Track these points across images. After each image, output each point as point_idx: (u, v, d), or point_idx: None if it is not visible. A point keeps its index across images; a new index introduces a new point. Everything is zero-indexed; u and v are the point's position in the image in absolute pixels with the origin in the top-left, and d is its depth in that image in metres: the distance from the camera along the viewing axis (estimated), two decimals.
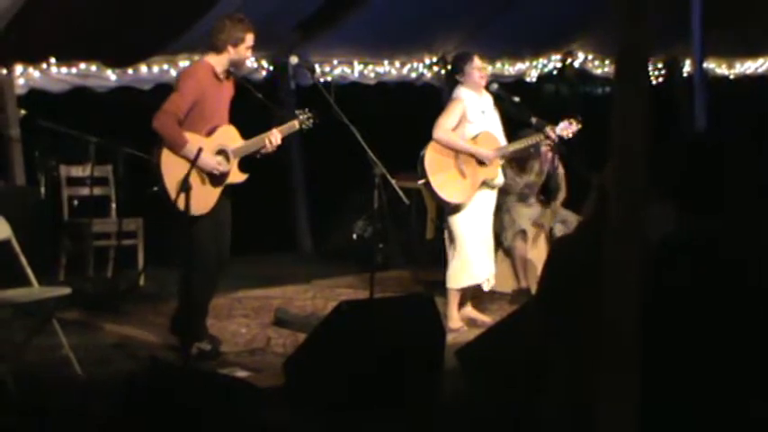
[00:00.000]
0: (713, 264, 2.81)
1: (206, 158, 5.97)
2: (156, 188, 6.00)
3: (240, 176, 6.24)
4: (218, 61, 6.17)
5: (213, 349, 6.23)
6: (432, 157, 6.79)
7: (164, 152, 5.98)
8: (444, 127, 6.78)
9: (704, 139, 3.29)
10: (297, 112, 6.45)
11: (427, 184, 6.80)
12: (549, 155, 7.83)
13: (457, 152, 6.84)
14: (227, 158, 6.14)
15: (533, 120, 7.11)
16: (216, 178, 6.10)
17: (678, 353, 2.78)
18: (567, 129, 7.11)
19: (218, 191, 6.14)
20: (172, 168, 5.96)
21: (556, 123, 7.08)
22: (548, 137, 7.07)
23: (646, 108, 2.20)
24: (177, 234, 6.11)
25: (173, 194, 5.88)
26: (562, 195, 7.99)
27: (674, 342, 2.77)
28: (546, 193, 8.06)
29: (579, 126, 7.15)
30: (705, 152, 2.97)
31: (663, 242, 2.86)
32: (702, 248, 2.85)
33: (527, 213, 7.94)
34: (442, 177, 6.80)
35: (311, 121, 6.40)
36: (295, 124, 6.38)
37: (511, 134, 7.16)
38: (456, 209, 6.89)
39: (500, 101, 7.12)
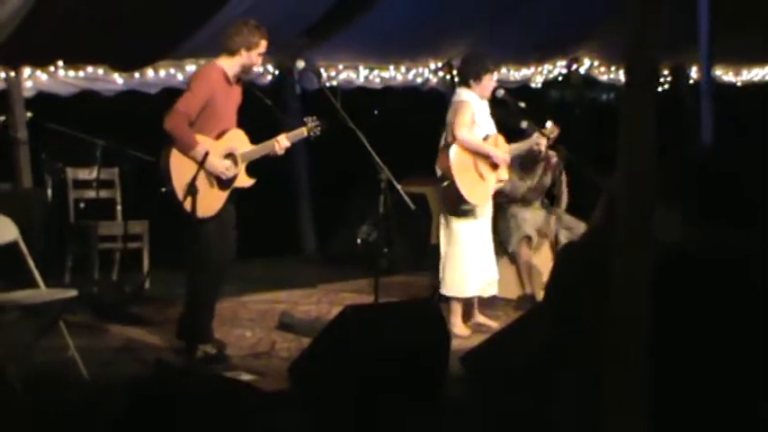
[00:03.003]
0: (722, 271, 2.82)
1: (214, 161, 5.99)
2: (164, 189, 6.02)
3: (248, 181, 6.26)
4: (230, 64, 6.20)
5: (218, 353, 6.24)
6: (458, 159, 6.78)
7: (173, 153, 6.00)
8: (465, 127, 6.78)
9: (715, 152, 3.30)
10: (305, 119, 6.46)
11: (452, 185, 6.80)
12: (555, 159, 7.84)
13: (476, 154, 6.86)
14: (236, 162, 6.16)
15: (524, 123, 7.15)
16: (223, 181, 6.12)
17: (687, 357, 2.79)
18: (550, 132, 7.20)
19: (225, 194, 6.16)
20: (180, 170, 5.98)
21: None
22: (537, 142, 7.15)
23: (654, 118, 2.21)
24: (184, 236, 6.13)
25: (181, 196, 5.90)
26: (565, 201, 7.99)
27: (682, 346, 2.78)
28: (550, 199, 8.07)
29: (557, 130, 7.26)
30: (716, 164, 2.98)
31: (671, 250, 2.87)
32: (711, 256, 2.86)
33: (531, 219, 7.93)
34: (466, 178, 6.81)
35: (319, 129, 6.43)
36: (303, 131, 6.40)
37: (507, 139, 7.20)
38: (461, 214, 6.89)
39: (505, 106, 7.14)
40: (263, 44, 6.20)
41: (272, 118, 6.54)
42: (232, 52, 6.17)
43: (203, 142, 6.02)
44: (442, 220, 7.04)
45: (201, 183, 5.86)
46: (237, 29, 6.21)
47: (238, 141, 6.21)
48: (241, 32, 6.17)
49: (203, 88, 6.09)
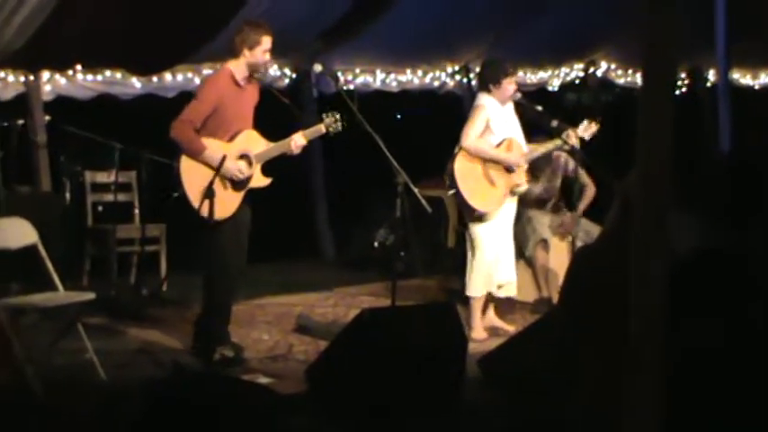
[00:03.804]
0: (740, 277, 2.81)
1: (227, 164, 6.01)
2: (176, 194, 6.07)
3: (263, 181, 6.27)
4: (237, 66, 6.23)
5: (235, 356, 6.26)
6: (461, 166, 6.80)
7: (183, 158, 6.07)
8: (472, 135, 6.80)
9: (735, 156, 3.30)
10: (323, 115, 6.42)
11: (458, 193, 6.81)
12: (562, 159, 7.83)
13: (485, 160, 6.86)
14: (250, 163, 6.17)
15: (554, 123, 7.14)
16: (238, 183, 6.14)
17: (703, 364, 2.78)
18: (587, 129, 7.17)
19: (240, 195, 6.19)
20: (192, 174, 6.04)
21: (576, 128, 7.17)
22: (567, 140, 7.11)
23: (671, 120, 2.21)
24: (199, 239, 6.17)
25: (193, 199, 5.97)
26: (589, 197, 7.92)
27: (699, 353, 2.78)
28: (567, 201, 8.05)
29: (598, 127, 7.24)
30: (735, 168, 2.98)
31: (689, 255, 2.86)
32: (729, 262, 2.86)
33: (547, 222, 7.92)
34: (472, 186, 6.81)
35: (338, 124, 6.39)
36: (321, 128, 6.35)
37: (528, 139, 7.18)
38: (479, 217, 6.90)
39: (522, 109, 7.14)
40: (266, 41, 6.19)
41: (291, 118, 6.53)
42: (236, 53, 6.21)
43: (214, 145, 6.06)
44: (466, 226, 7.05)
45: (217, 185, 5.90)
46: (238, 29, 6.27)
47: (252, 142, 6.24)
48: (242, 32, 6.21)
49: (210, 95, 6.15)
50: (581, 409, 3.28)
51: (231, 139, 6.17)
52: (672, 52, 2.28)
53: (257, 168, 6.22)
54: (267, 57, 6.28)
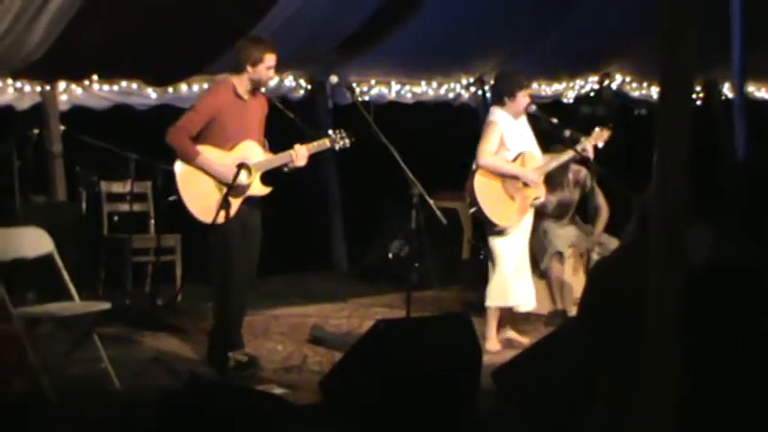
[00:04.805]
0: (755, 288, 2.81)
1: (219, 169, 6.15)
2: (172, 197, 6.20)
3: (262, 189, 6.35)
4: (239, 81, 6.34)
5: (249, 360, 6.29)
6: (480, 184, 6.80)
7: (177, 163, 6.23)
8: (487, 152, 6.80)
9: (750, 167, 3.29)
10: (330, 132, 6.54)
11: (479, 211, 6.82)
12: (582, 174, 7.81)
13: (503, 176, 6.86)
14: (249, 172, 6.23)
15: (567, 132, 7.15)
16: (236, 189, 6.18)
17: (719, 376, 2.78)
18: (599, 137, 7.20)
19: (237, 202, 6.25)
20: (187, 179, 6.19)
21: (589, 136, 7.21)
22: (583, 149, 7.12)
23: (689, 133, 2.21)
24: (207, 246, 6.25)
25: (188, 204, 6.15)
26: (603, 219, 7.89)
27: (713, 362, 2.78)
28: (584, 216, 8.03)
29: (610, 133, 7.28)
30: (750, 179, 2.98)
31: (704, 266, 2.86)
32: (744, 273, 2.85)
33: (563, 234, 7.89)
34: (493, 203, 6.82)
35: (345, 140, 6.49)
36: (325, 142, 6.48)
37: (543, 149, 7.19)
38: (499, 231, 6.89)
39: (537, 121, 7.13)
40: (270, 58, 6.27)
41: (301, 132, 6.57)
42: (239, 69, 6.30)
43: (211, 153, 6.18)
44: (486, 240, 7.05)
45: (215, 191, 6.11)
46: (242, 45, 6.38)
47: (251, 152, 6.33)
48: (245, 49, 6.32)
49: (207, 106, 6.29)
50: (596, 421, 3.27)
51: (232, 148, 6.27)
52: (688, 65, 2.29)
53: (256, 177, 6.28)
54: (271, 73, 6.36)
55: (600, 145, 7.25)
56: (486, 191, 6.82)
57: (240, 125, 6.30)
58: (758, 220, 2.93)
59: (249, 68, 6.26)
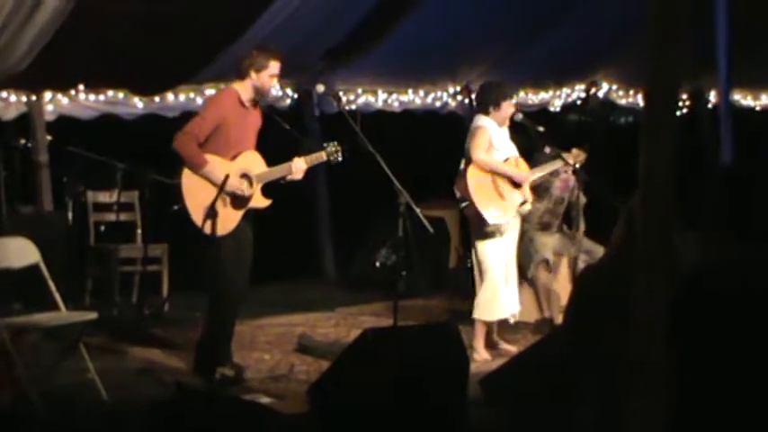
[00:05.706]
0: (740, 293, 2.82)
1: (231, 180, 6.06)
2: (177, 207, 6.11)
3: (263, 201, 6.31)
4: (243, 88, 6.29)
5: (236, 375, 6.26)
6: (474, 179, 6.83)
7: (184, 172, 6.12)
8: (481, 149, 6.82)
9: (732, 171, 3.30)
10: (325, 144, 6.53)
11: (471, 205, 6.83)
12: (571, 182, 7.83)
13: (494, 174, 6.89)
14: (251, 183, 6.21)
15: (547, 149, 7.21)
16: (238, 201, 6.17)
17: (709, 378, 2.78)
18: (576, 157, 7.33)
19: (239, 213, 6.22)
20: (193, 188, 6.09)
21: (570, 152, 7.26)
22: (567, 160, 7.19)
23: (674, 140, 2.22)
24: (201, 257, 6.21)
25: (193, 213, 6.04)
26: (582, 226, 7.94)
27: (703, 368, 2.78)
28: (569, 223, 8.05)
29: (586, 155, 7.38)
30: (733, 183, 2.98)
31: (689, 272, 2.87)
32: (729, 278, 2.86)
33: (549, 243, 7.91)
34: (485, 198, 6.84)
35: (338, 154, 6.49)
36: (322, 155, 6.47)
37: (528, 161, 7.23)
38: (486, 236, 6.90)
39: (523, 130, 7.16)
40: (274, 66, 6.26)
41: (294, 143, 6.58)
42: (243, 75, 6.26)
43: (217, 162, 6.11)
44: (473, 247, 7.05)
45: (220, 201, 5.97)
46: (248, 52, 6.36)
47: (253, 163, 6.30)
48: (250, 55, 6.30)
49: (214, 112, 6.22)
50: (583, 428, 3.27)
51: (234, 158, 6.21)
52: (675, 73, 2.30)
53: (258, 189, 6.25)
54: (273, 81, 6.35)
55: (577, 165, 7.31)
56: (478, 186, 6.84)
57: (241, 134, 6.27)
58: (743, 219, 2.94)
59: (253, 74, 6.23)
